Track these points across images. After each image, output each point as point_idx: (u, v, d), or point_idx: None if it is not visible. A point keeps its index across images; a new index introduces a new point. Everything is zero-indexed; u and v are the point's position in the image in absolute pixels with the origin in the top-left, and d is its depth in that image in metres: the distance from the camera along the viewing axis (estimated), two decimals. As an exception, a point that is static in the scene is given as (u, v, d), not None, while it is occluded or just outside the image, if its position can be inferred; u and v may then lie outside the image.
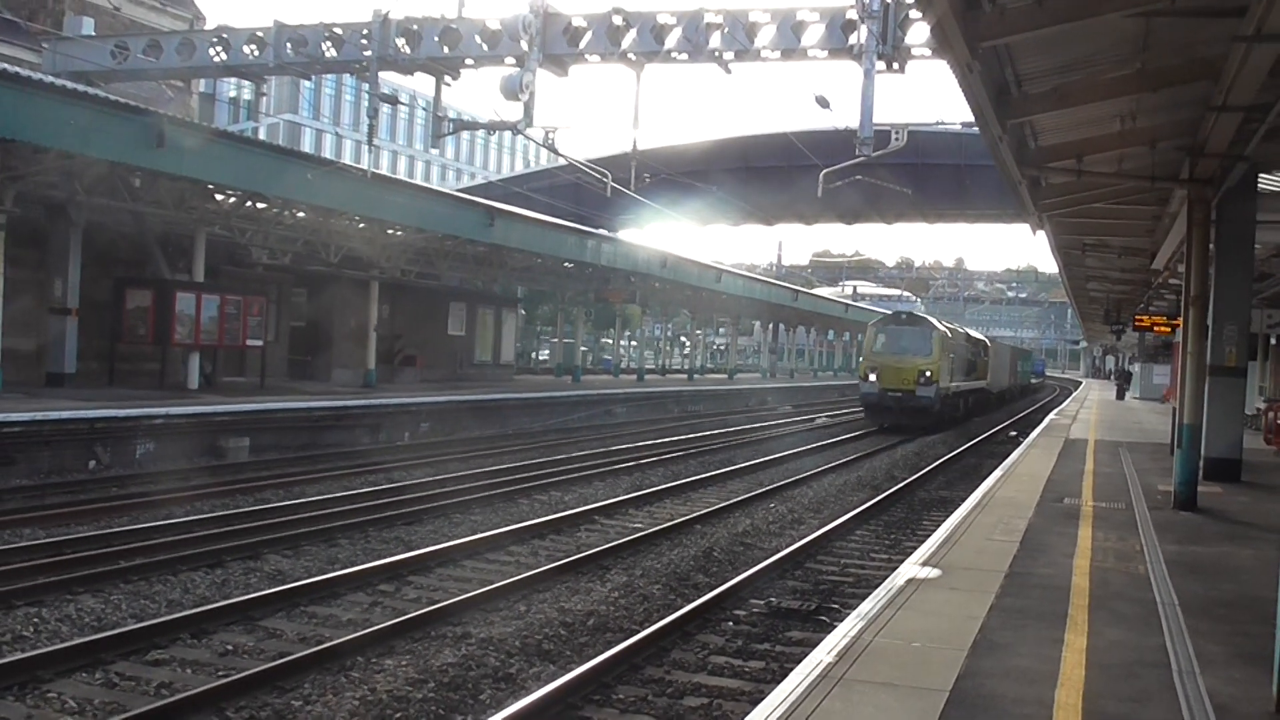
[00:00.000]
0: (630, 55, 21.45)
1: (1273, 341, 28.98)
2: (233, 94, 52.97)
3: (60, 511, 12.28)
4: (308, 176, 21.60)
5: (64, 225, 19.52)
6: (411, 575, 10.15)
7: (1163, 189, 14.75)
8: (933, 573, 7.96)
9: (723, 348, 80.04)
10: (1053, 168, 14.08)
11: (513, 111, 21.65)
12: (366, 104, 24.02)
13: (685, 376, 51.21)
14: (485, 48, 22.55)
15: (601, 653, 7.58)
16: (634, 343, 63.51)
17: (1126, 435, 23.94)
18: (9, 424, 14.61)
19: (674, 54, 21.15)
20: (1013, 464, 16.44)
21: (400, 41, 23.09)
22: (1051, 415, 32.51)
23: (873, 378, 30.05)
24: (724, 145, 40.54)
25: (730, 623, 8.92)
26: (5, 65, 16.72)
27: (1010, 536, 9.64)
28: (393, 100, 24.88)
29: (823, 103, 20.50)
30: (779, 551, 11.60)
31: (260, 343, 23.46)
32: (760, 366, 66.52)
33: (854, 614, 6.84)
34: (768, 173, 38.87)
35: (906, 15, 19.18)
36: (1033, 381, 72.76)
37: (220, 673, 7.09)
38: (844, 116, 22.27)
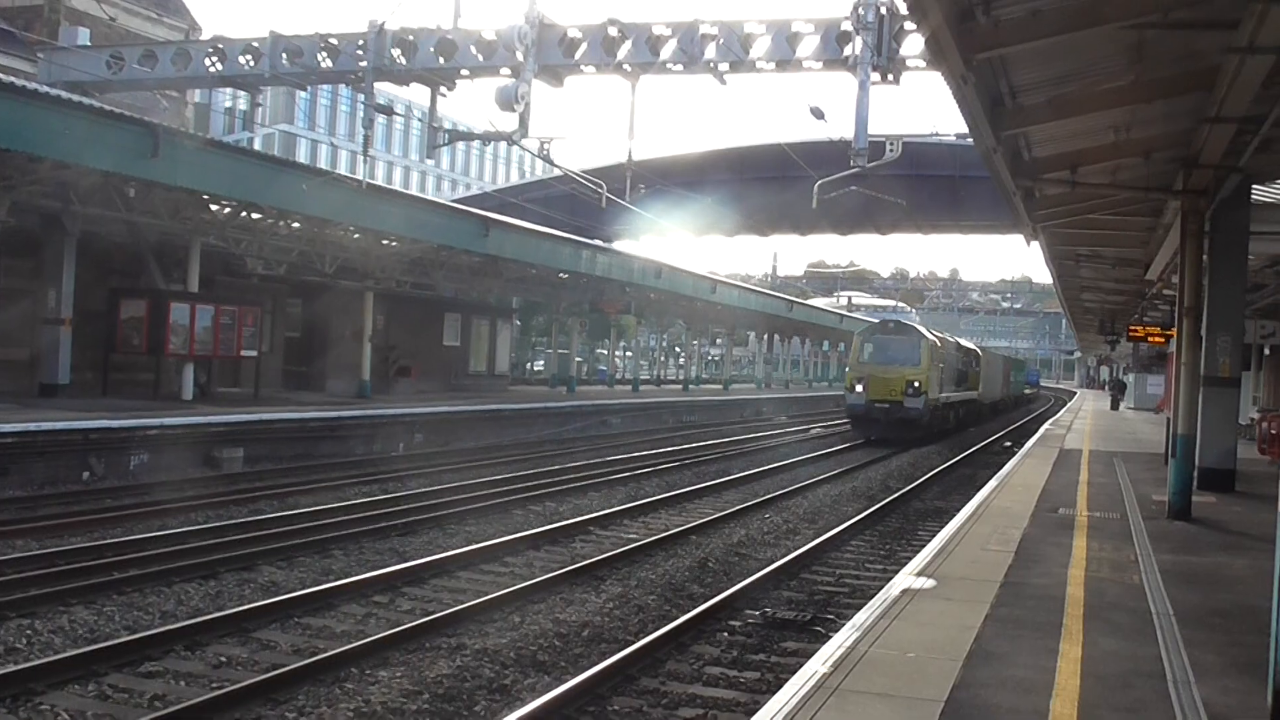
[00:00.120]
0: (625, 66, 21.53)
1: (1266, 352, 29.09)
2: (228, 104, 52.93)
3: (54, 523, 12.24)
4: (303, 186, 21.54)
5: (58, 235, 19.47)
6: (406, 586, 10.12)
7: (1157, 200, 14.82)
8: (928, 583, 7.96)
9: (718, 358, 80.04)
10: (1047, 179, 14.10)
11: (508, 122, 21.73)
12: (362, 114, 24.10)
13: (680, 387, 51.26)
14: (481, 58, 22.62)
15: (596, 664, 7.56)
16: (629, 353, 63.51)
17: (1121, 445, 23.96)
18: (2, 435, 14.55)
19: (669, 65, 21.25)
20: (1007, 474, 16.45)
21: (396, 52, 23.16)
22: (1046, 425, 32.53)
23: (859, 388, 29.01)
24: (719, 156, 40.59)
25: (725, 633, 8.90)
26: (1, 75, 16.73)
27: (1005, 547, 9.65)
28: (388, 111, 24.93)
29: (817, 114, 20.59)
30: (774, 562, 11.57)
31: (255, 353, 23.43)
32: (755, 377, 66.54)
33: (849, 624, 6.84)
34: (763, 183, 38.87)
35: (901, 27, 19.29)
36: (1027, 392, 72.63)
37: (214, 685, 7.06)
38: (839, 127, 22.42)
